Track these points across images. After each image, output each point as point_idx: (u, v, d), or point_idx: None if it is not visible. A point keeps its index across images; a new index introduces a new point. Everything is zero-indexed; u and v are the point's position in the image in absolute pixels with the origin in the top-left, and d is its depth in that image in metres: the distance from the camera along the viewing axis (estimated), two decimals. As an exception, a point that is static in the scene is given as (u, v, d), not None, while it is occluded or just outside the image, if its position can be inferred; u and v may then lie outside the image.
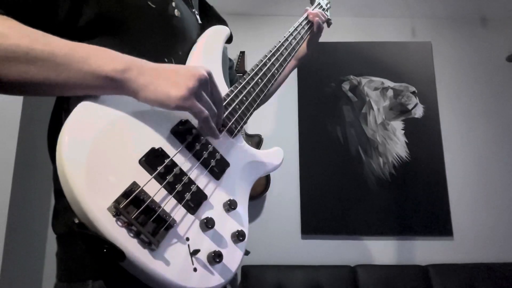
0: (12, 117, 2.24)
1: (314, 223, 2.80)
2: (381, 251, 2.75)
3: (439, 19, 3.21)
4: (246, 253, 0.80)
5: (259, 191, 2.73)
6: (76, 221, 0.59)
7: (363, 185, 2.86)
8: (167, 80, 0.67)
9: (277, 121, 3.01)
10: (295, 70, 3.05)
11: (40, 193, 2.55)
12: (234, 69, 1.35)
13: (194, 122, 0.78)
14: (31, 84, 0.61)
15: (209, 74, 0.73)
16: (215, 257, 0.69)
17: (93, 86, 0.64)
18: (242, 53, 3.00)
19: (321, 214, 2.80)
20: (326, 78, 3.07)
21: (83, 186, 0.58)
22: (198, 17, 1.02)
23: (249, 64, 3.03)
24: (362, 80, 3.05)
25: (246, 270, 2.54)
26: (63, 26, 0.73)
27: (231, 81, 1.21)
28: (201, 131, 0.78)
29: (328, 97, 3.04)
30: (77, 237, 0.59)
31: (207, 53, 0.93)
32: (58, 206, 0.76)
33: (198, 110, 0.69)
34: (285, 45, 1.16)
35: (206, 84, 0.71)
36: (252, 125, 2.83)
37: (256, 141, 2.72)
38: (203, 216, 0.72)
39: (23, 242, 2.30)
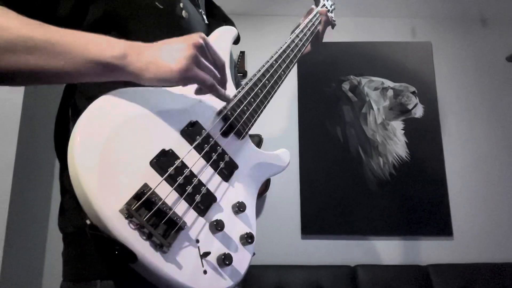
0: (12, 117, 2.23)
1: (314, 223, 2.80)
2: (381, 251, 2.75)
3: (439, 19, 3.21)
4: (252, 254, 0.80)
5: (259, 191, 2.72)
6: (88, 222, 0.59)
7: (363, 185, 2.85)
8: (165, 55, 0.66)
9: (277, 121, 3.01)
10: (295, 70, 3.06)
11: (40, 193, 2.55)
12: (236, 70, 1.35)
13: (203, 123, 0.77)
14: (32, 73, 0.61)
15: (204, 39, 0.72)
16: (225, 260, 0.69)
17: (94, 72, 0.64)
18: (242, 53, 3.00)
19: (321, 214, 2.80)
20: (326, 78, 3.07)
21: (95, 187, 0.58)
22: (204, 17, 1.02)
23: (249, 64, 3.03)
24: (362, 80, 3.05)
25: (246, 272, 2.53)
26: (68, 24, 0.73)
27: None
28: (221, 142, 0.77)
29: (328, 97, 3.03)
30: (89, 239, 0.59)
31: None
32: (65, 205, 0.76)
33: (202, 78, 0.69)
34: (291, 47, 1.15)
35: (203, 49, 0.70)
36: (252, 126, 2.78)
37: (256, 141, 2.71)
38: (213, 218, 0.72)
39: (23, 242, 2.30)
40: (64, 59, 0.61)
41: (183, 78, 0.67)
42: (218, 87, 0.73)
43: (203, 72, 0.69)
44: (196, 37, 0.70)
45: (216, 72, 0.73)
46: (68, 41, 0.62)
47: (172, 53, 0.67)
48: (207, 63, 0.71)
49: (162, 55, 0.66)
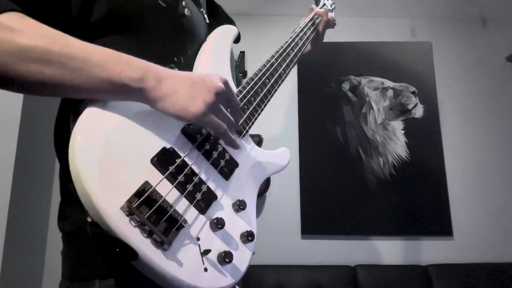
0: (12, 117, 2.23)
1: (314, 223, 2.80)
2: (381, 251, 2.75)
3: (439, 19, 3.21)
4: (252, 253, 0.80)
5: (260, 190, 2.72)
6: (89, 220, 0.59)
7: (363, 185, 2.85)
8: (185, 93, 0.66)
9: (277, 121, 3.01)
10: (295, 70, 3.06)
11: (40, 193, 2.55)
12: (238, 69, 1.35)
13: None
14: (46, 85, 0.60)
15: (225, 83, 0.72)
16: (225, 257, 0.69)
17: (108, 92, 0.63)
18: (242, 53, 3.01)
19: (321, 214, 2.80)
20: (326, 78, 3.07)
21: (97, 185, 0.58)
22: (206, 16, 1.03)
23: (249, 64, 3.04)
24: (362, 80, 3.05)
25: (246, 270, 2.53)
26: (76, 23, 0.73)
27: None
28: (221, 141, 0.78)
29: (328, 97, 3.03)
30: (90, 236, 0.59)
31: (215, 53, 0.93)
32: (66, 204, 0.76)
33: (216, 125, 0.69)
34: (291, 46, 1.16)
35: (223, 95, 0.71)
36: (252, 125, 2.77)
37: (256, 141, 2.69)
38: (214, 216, 0.72)
39: (23, 242, 2.30)
40: (80, 76, 0.60)
41: (197, 121, 0.68)
42: (229, 134, 0.73)
43: (217, 118, 0.70)
44: (218, 82, 0.70)
45: (231, 118, 0.73)
46: (86, 57, 0.61)
47: (191, 93, 0.67)
48: (223, 109, 0.71)
49: (181, 92, 0.66)
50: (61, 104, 0.81)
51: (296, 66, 3.05)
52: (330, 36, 2.69)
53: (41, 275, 2.55)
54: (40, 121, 2.42)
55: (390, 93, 3.02)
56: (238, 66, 2.89)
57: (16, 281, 2.22)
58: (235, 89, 0.92)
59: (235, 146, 0.78)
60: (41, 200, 2.58)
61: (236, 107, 0.77)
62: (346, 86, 3.05)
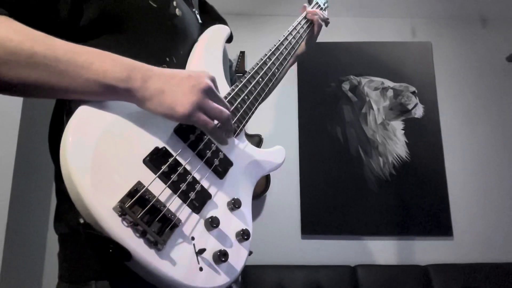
0: (12, 117, 2.24)
1: (314, 223, 2.80)
2: (381, 251, 2.75)
3: (439, 19, 3.21)
4: (249, 253, 0.80)
5: (259, 191, 2.73)
6: (82, 221, 0.58)
7: (363, 185, 2.86)
8: (171, 93, 0.66)
9: (277, 121, 3.00)
10: (295, 70, 3.06)
11: (40, 193, 2.55)
12: (233, 69, 1.35)
13: None
14: (32, 87, 0.60)
15: (213, 80, 0.72)
16: (221, 256, 0.68)
17: (95, 92, 0.63)
18: (242, 53, 3.00)
19: (321, 214, 2.80)
20: (326, 78, 3.07)
21: (88, 185, 0.57)
22: (198, 16, 1.03)
23: (249, 64, 3.03)
24: (362, 80, 3.05)
25: (246, 270, 2.52)
26: (66, 26, 0.73)
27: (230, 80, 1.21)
28: (211, 138, 0.78)
29: (328, 97, 3.04)
30: (83, 237, 0.58)
31: (208, 52, 0.92)
32: (61, 206, 0.76)
33: (203, 123, 0.68)
34: (284, 44, 1.16)
35: (211, 92, 0.70)
36: (252, 125, 2.81)
37: (256, 141, 2.71)
38: (208, 215, 0.71)
39: (23, 242, 2.30)
40: (66, 77, 0.60)
41: (184, 121, 0.67)
42: (218, 131, 0.73)
43: (205, 116, 0.69)
44: (206, 80, 0.69)
45: (224, 111, 0.72)
46: (72, 58, 0.61)
47: (178, 93, 0.66)
48: (212, 105, 0.70)
49: (167, 91, 0.66)
50: (56, 104, 0.81)
51: (296, 66, 3.05)
52: (330, 36, 2.70)
53: (41, 275, 2.55)
54: (40, 121, 2.42)
55: (390, 93, 3.02)
56: (238, 66, 2.90)
57: (16, 281, 2.22)
58: (227, 88, 0.92)
59: (224, 143, 0.77)
60: (41, 200, 2.58)
61: (225, 105, 0.75)
62: (346, 86, 3.05)
